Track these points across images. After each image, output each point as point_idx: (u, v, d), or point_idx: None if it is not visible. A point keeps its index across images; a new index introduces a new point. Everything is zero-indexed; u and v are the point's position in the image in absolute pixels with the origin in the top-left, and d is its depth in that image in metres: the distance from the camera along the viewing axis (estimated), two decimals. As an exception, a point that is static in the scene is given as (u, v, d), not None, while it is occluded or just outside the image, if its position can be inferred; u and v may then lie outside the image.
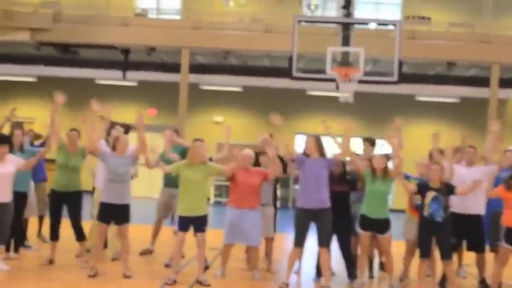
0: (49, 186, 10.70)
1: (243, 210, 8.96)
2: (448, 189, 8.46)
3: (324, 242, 8.64)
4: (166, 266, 9.47)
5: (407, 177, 8.97)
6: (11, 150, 9.28)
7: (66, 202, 9.30)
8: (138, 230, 9.99)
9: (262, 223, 9.32)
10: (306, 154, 8.77)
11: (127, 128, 10.30)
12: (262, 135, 9.82)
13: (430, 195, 8.38)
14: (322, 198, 8.56)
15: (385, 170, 8.71)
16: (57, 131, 9.23)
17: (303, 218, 8.62)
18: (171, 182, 9.92)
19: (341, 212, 8.99)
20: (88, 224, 9.90)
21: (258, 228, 9.08)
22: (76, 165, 9.27)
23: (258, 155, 9.72)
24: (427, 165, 9.10)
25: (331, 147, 8.97)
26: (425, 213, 8.43)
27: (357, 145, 10.34)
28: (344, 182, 9.08)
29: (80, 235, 9.37)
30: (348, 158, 9.05)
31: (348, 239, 9.17)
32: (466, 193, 8.62)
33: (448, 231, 8.50)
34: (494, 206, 9.20)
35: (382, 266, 9.87)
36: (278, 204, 10.64)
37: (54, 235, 9.34)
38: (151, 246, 10.66)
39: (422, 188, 8.51)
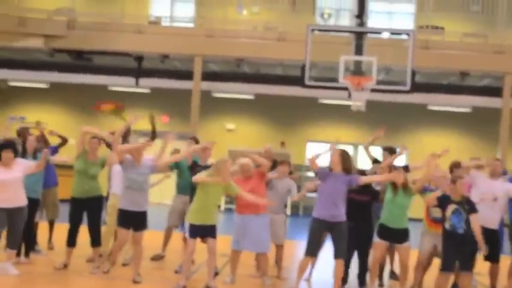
0: (61, 191, 10.84)
1: (248, 216, 9.01)
2: (468, 204, 8.41)
3: (339, 254, 8.62)
4: (176, 272, 9.50)
5: (425, 190, 8.95)
6: (24, 156, 9.37)
7: (86, 208, 9.37)
8: (149, 236, 9.98)
9: (272, 230, 9.37)
10: (330, 167, 8.74)
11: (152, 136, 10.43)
12: (265, 146, 9.97)
13: (451, 208, 8.35)
14: (338, 213, 8.55)
15: (405, 183, 8.74)
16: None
17: (317, 228, 8.62)
18: (184, 188, 9.97)
19: (362, 221, 9.03)
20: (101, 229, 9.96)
21: (266, 234, 9.09)
22: (95, 173, 9.37)
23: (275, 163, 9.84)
24: (442, 178, 9.09)
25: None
26: (447, 226, 8.40)
27: (376, 153, 10.39)
28: (367, 193, 9.10)
29: (96, 241, 9.44)
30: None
31: (368, 248, 9.19)
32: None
33: (470, 244, 8.43)
34: None
35: (392, 275, 9.85)
36: (288, 211, 10.67)
37: (72, 241, 9.39)
38: (163, 252, 10.69)
39: (443, 201, 8.48)
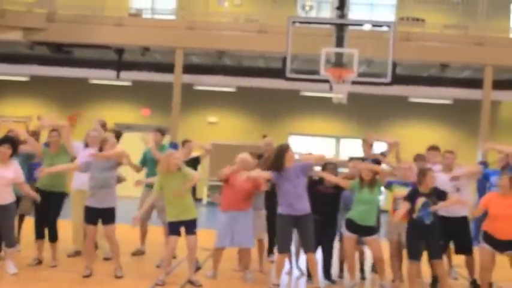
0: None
1: (234, 212, 8.98)
2: (437, 194, 8.46)
3: (309, 247, 8.65)
4: (158, 267, 9.47)
5: (389, 183, 9.01)
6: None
7: (48, 201, 9.22)
8: (127, 231, 9.96)
9: (254, 225, 9.37)
10: (279, 167, 8.65)
11: (118, 134, 10.35)
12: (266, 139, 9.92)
13: (421, 201, 8.40)
14: (302, 206, 8.57)
15: (372, 180, 8.77)
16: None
17: (283, 224, 8.62)
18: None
19: (329, 211, 9.07)
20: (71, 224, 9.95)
21: (250, 230, 9.09)
22: (60, 163, 9.20)
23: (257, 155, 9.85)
24: (409, 169, 9.13)
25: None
26: (414, 216, 8.44)
27: (356, 146, 10.41)
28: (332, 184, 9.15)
29: (53, 236, 9.30)
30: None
31: (331, 242, 9.24)
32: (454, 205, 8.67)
33: (436, 233, 8.51)
34: None
35: (374, 268, 9.90)
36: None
37: (39, 234, 9.31)
38: (142, 247, 10.66)
39: (412, 194, 8.52)
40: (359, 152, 10.31)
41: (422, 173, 8.50)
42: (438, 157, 9.60)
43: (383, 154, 9.89)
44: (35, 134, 10.47)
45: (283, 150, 8.63)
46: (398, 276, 9.29)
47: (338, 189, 9.17)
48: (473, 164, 9.90)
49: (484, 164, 14.60)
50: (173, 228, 8.58)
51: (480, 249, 8.62)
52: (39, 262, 9.27)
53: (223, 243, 9.07)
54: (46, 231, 9.32)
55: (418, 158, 9.64)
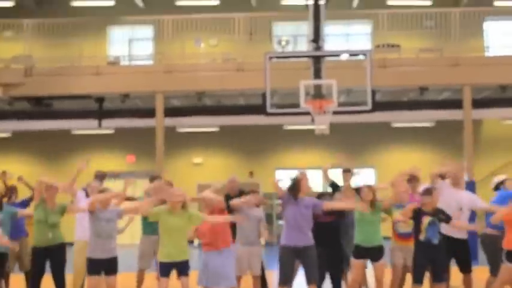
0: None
1: (210, 252, 8.90)
2: (443, 213, 8.47)
3: (311, 280, 8.60)
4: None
5: (389, 209, 9.01)
6: None
7: (49, 257, 9.19)
8: (121, 279, 9.83)
9: (250, 261, 9.37)
10: (295, 193, 8.71)
11: (102, 176, 10.31)
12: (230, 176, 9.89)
13: (427, 220, 8.43)
14: (305, 237, 8.55)
15: (373, 200, 8.76)
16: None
17: (286, 256, 8.60)
18: (149, 229, 9.90)
19: (330, 243, 9.03)
20: (70, 276, 9.79)
21: (230, 269, 8.96)
22: (55, 221, 9.20)
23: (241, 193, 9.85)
24: (406, 192, 9.20)
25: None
26: (422, 237, 8.46)
27: (337, 176, 10.46)
28: (331, 213, 9.12)
29: None
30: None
31: (339, 270, 9.18)
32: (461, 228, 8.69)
33: (444, 253, 8.52)
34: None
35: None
36: (263, 241, 10.64)
37: None
38: (138, 294, 10.56)
39: (417, 214, 8.52)
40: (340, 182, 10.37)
41: (427, 191, 8.52)
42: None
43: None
44: (12, 189, 10.46)
45: (298, 178, 8.66)
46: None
47: (338, 217, 9.15)
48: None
49: (471, 183, 14.66)
50: (165, 270, 8.46)
51: (503, 268, 8.57)
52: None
53: (201, 283, 8.97)
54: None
55: (412, 179, 9.65)
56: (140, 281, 10.53)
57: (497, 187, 10.31)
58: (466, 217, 9.25)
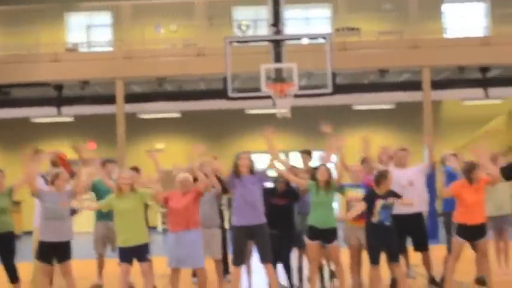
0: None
1: (179, 232, 8.85)
2: (394, 196, 8.56)
3: (266, 259, 8.64)
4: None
5: (343, 186, 9.08)
6: None
7: None
8: (82, 266, 9.79)
9: (208, 245, 9.33)
10: (236, 173, 8.74)
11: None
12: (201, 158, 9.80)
13: (380, 203, 8.49)
14: (255, 213, 8.58)
15: (328, 181, 8.80)
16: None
17: (239, 236, 8.62)
18: (102, 215, 9.83)
19: (284, 224, 9.08)
20: (30, 265, 9.69)
21: (198, 249, 8.96)
22: (3, 206, 9.01)
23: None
24: (360, 172, 9.27)
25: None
26: (375, 219, 8.53)
27: (296, 158, 10.49)
28: (286, 195, 9.16)
29: (13, 277, 9.07)
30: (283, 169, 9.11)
31: (288, 253, 9.22)
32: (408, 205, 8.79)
33: (395, 235, 8.62)
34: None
35: (332, 275, 9.93)
36: (226, 225, 10.66)
37: None
38: (99, 280, 10.48)
39: (370, 196, 8.60)
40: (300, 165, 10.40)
41: (383, 175, 8.57)
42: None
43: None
44: None
45: (236, 157, 8.76)
46: (357, 281, 9.33)
47: (291, 199, 9.19)
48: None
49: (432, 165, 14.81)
50: (124, 255, 8.41)
51: (454, 241, 8.73)
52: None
53: (174, 263, 8.96)
54: None
55: (365, 160, 9.71)
56: (100, 265, 10.45)
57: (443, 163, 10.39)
58: (420, 191, 9.33)
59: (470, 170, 8.59)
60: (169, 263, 9.00)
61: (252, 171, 8.74)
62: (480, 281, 9.18)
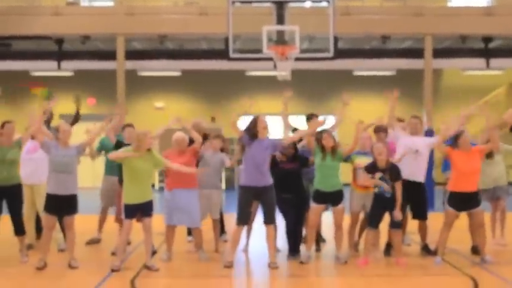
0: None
1: (177, 190, 9.04)
2: (392, 172, 8.66)
3: (269, 220, 8.72)
4: (113, 254, 9.40)
5: (348, 157, 9.13)
6: None
7: (6, 197, 9.10)
8: (82, 221, 9.87)
9: (208, 204, 9.53)
10: (253, 134, 8.74)
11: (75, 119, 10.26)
12: (193, 119, 9.83)
13: (378, 175, 8.68)
14: (264, 178, 8.64)
15: (334, 147, 8.86)
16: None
17: (245, 195, 8.69)
18: (112, 170, 9.88)
19: (295, 188, 9.14)
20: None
21: (196, 208, 9.11)
22: (14, 158, 9.07)
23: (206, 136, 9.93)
24: (367, 139, 9.33)
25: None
26: (375, 190, 8.77)
27: (301, 122, 10.51)
28: (295, 160, 9.20)
29: (20, 230, 9.17)
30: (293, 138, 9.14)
31: (301, 217, 9.31)
32: (399, 161, 8.88)
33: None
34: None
35: (321, 239, 10.09)
36: (223, 185, 10.75)
37: None
38: (98, 235, 10.59)
39: (370, 168, 8.77)
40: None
41: (379, 152, 8.70)
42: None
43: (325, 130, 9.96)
44: None
45: (255, 119, 8.72)
46: (352, 244, 9.46)
47: (299, 164, 9.23)
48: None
49: (430, 131, 14.90)
50: (129, 212, 8.48)
51: (445, 212, 8.86)
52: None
53: (171, 220, 9.10)
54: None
55: (378, 129, 9.74)
56: (102, 220, 10.56)
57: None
58: (424, 159, 9.39)
59: (457, 136, 8.71)
60: (166, 220, 9.12)
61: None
62: (476, 250, 9.30)
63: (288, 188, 9.08)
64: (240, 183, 8.78)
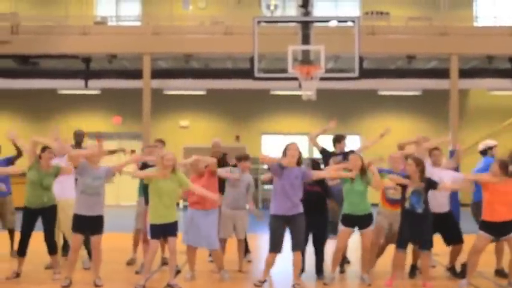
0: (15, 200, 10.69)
1: (195, 212, 9.15)
2: (428, 184, 8.58)
3: (298, 247, 8.70)
4: (137, 273, 9.44)
5: (380, 171, 9.06)
6: None
7: (42, 218, 9.19)
8: (107, 238, 9.91)
9: (234, 225, 9.67)
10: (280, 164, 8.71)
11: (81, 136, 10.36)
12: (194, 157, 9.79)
13: (411, 188, 8.56)
14: (294, 205, 8.61)
15: (363, 169, 8.81)
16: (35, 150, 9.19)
17: (276, 224, 8.67)
18: (146, 190, 9.91)
19: (318, 210, 9.11)
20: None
21: (213, 230, 9.17)
22: (49, 183, 9.19)
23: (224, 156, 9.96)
24: (399, 159, 9.28)
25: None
26: (407, 205, 8.62)
27: (327, 142, 10.53)
28: (319, 184, 9.16)
29: (53, 249, 9.27)
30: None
31: (325, 236, 9.27)
32: (447, 190, 8.86)
33: (429, 223, 8.63)
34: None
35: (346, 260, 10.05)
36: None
37: (23, 251, 9.22)
38: (134, 255, 10.54)
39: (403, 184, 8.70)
40: (331, 148, 10.45)
41: (417, 163, 8.62)
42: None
43: (352, 151, 9.95)
44: None
45: (285, 147, 8.71)
46: (372, 261, 9.37)
47: (325, 186, 9.20)
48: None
49: (452, 152, 14.76)
50: (155, 232, 8.55)
51: (478, 236, 8.62)
52: (17, 275, 9.19)
53: (186, 240, 9.17)
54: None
55: (400, 147, 9.72)
56: (136, 240, 10.53)
57: (485, 152, 10.31)
58: (448, 192, 9.30)
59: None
60: (184, 238, 9.15)
61: (299, 163, 8.73)
62: (501, 273, 9.17)
63: (309, 209, 9.02)
64: (271, 213, 8.75)
